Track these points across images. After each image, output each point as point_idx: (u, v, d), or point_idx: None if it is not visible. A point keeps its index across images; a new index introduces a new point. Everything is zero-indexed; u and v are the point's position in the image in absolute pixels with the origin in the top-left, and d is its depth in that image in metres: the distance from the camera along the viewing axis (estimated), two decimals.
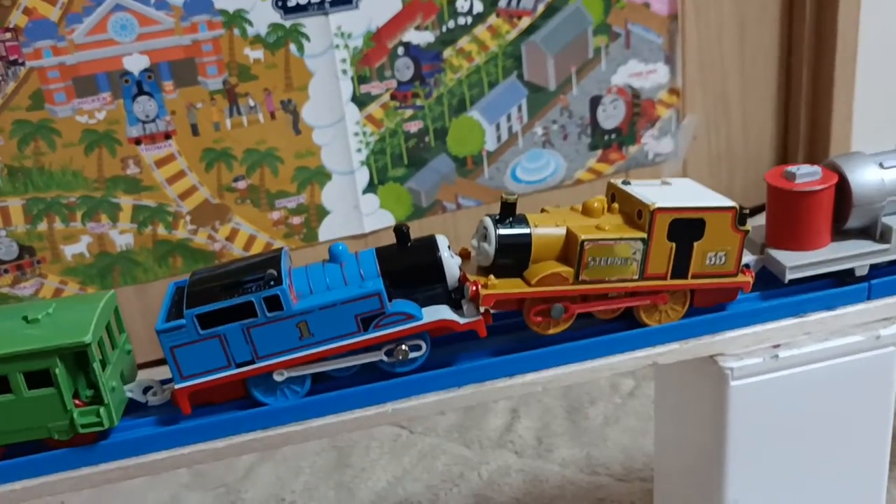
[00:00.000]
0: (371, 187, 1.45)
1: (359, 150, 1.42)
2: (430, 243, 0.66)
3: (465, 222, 1.53)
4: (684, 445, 0.81)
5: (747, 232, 0.68)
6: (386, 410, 0.65)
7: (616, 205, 0.70)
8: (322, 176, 1.42)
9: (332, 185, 1.43)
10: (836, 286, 0.73)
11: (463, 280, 0.66)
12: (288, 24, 1.32)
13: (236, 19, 1.30)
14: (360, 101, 1.39)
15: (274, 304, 0.61)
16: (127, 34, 1.26)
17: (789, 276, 0.71)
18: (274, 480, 1.13)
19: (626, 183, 0.71)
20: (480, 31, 1.42)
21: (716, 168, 1.67)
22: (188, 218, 1.37)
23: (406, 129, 1.43)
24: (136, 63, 1.27)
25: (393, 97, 1.41)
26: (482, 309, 0.65)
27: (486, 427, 1.18)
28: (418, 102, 1.43)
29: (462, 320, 0.65)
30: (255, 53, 1.32)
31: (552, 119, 1.51)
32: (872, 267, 0.74)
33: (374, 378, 0.66)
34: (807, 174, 0.72)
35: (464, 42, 1.42)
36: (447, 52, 1.42)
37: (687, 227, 0.67)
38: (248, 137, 1.36)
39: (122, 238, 1.35)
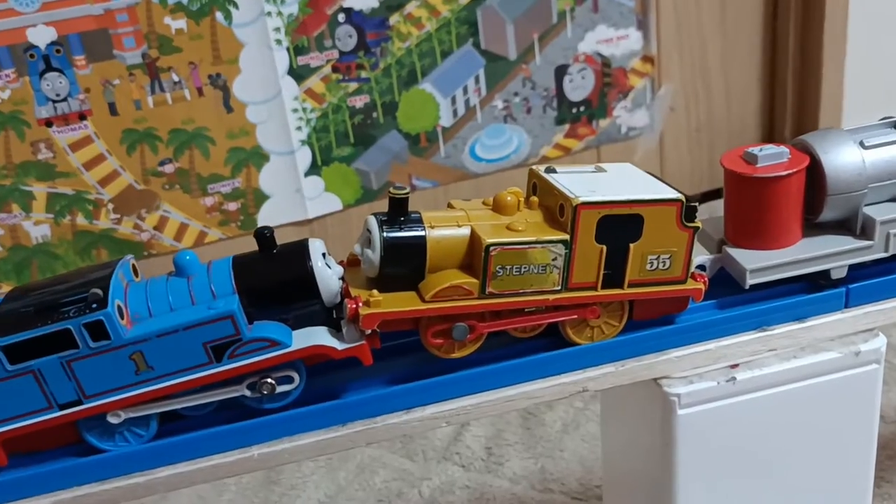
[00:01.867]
0: (314, 168, 1.32)
1: (299, 129, 1.29)
2: (299, 250, 0.54)
3: (421, 205, 1.38)
4: (631, 473, 0.69)
5: (696, 229, 0.56)
6: (251, 455, 0.54)
7: (535, 198, 0.57)
8: (258, 157, 1.29)
9: (271, 167, 1.30)
10: (809, 291, 0.61)
11: (345, 293, 0.54)
12: None
13: None
14: (298, 73, 1.26)
15: (98, 331, 0.49)
16: (29, 3, 1.13)
17: (751, 280, 0.59)
18: (195, 500, 1.02)
19: (550, 171, 0.58)
20: None
21: (695, 142, 1.54)
22: (111, 206, 1.25)
23: (351, 103, 1.30)
24: (41, 35, 1.14)
25: (335, 69, 1.28)
26: (367, 331, 0.53)
27: (432, 435, 1.07)
28: (363, 74, 1.30)
29: (341, 346, 0.53)
30: (176, 23, 1.19)
31: (514, 91, 1.38)
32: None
33: (239, 416, 0.54)
34: (771, 156, 0.59)
35: (412, 7, 1.28)
36: (394, 19, 1.28)
37: (620, 226, 0.54)
38: (174, 116, 1.23)
39: (37, 229, 1.23)
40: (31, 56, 1.15)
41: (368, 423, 0.55)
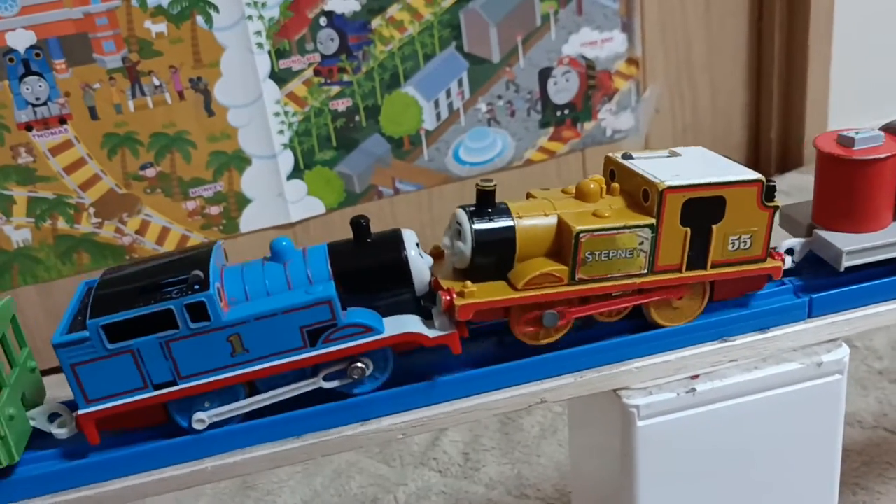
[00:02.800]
0: (297, 172, 1.32)
1: (281, 132, 1.29)
2: (394, 239, 0.55)
3: (405, 208, 1.40)
4: (596, 480, 0.69)
5: (776, 208, 0.57)
6: (204, 468, 0.53)
7: (616, 184, 0.58)
8: (240, 161, 1.29)
9: (253, 171, 1.30)
10: (770, 301, 0.61)
11: (435, 286, 0.55)
12: None
13: None
14: (280, 77, 1.26)
15: (199, 312, 0.50)
16: (8, 7, 1.13)
17: (847, 262, 0.60)
18: (172, 502, 1.02)
19: (627, 157, 0.59)
20: None
21: (681, 143, 1.53)
22: (92, 210, 1.24)
23: (333, 107, 1.30)
24: (20, 39, 1.14)
25: (317, 73, 1.28)
26: (459, 321, 0.54)
27: (410, 440, 1.06)
28: (346, 78, 1.29)
29: (432, 334, 0.53)
30: (157, 27, 1.19)
31: (497, 94, 1.38)
32: (815, 277, 0.61)
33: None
34: (868, 139, 0.60)
35: (394, 10, 1.28)
36: (376, 22, 1.28)
37: (704, 208, 0.55)
38: (155, 120, 1.23)
39: (17, 234, 1.22)
40: (11, 60, 1.14)
41: (323, 435, 0.55)
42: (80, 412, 0.51)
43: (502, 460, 1.02)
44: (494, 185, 0.55)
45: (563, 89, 1.41)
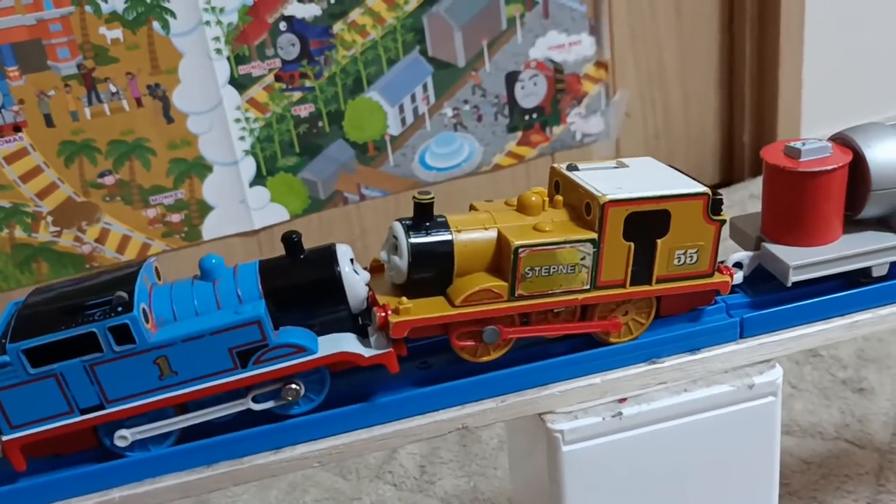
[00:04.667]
0: (259, 179, 1.30)
1: (242, 139, 1.27)
2: (326, 255, 0.53)
3: (372, 214, 1.39)
4: (532, 501, 0.67)
5: (723, 222, 0.55)
6: (111, 498, 0.52)
7: (559, 197, 0.56)
8: (201, 168, 1.27)
9: (214, 178, 1.28)
10: (700, 322, 0.59)
11: (372, 301, 0.53)
12: None
13: None
14: (240, 83, 1.24)
15: (123, 335, 0.49)
16: None
17: (794, 277, 0.58)
18: None
19: (572, 168, 0.57)
20: (374, 1, 1.26)
21: (654, 147, 1.52)
22: (50, 219, 1.23)
23: (295, 113, 1.28)
24: None
25: (278, 78, 1.26)
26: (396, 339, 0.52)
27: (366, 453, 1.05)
28: (307, 83, 1.27)
29: (367, 353, 0.52)
30: (112, 33, 1.17)
31: (463, 99, 1.36)
32: (750, 295, 0.60)
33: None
34: (814, 150, 0.59)
35: (356, 14, 1.26)
36: (337, 27, 1.26)
37: (648, 222, 0.54)
38: (112, 127, 1.21)
39: None
40: None
41: (235, 463, 0.53)
42: (5, 438, 0.50)
43: (458, 473, 1.00)
44: (432, 198, 0.53)
45: (531, 93, 1.39)
